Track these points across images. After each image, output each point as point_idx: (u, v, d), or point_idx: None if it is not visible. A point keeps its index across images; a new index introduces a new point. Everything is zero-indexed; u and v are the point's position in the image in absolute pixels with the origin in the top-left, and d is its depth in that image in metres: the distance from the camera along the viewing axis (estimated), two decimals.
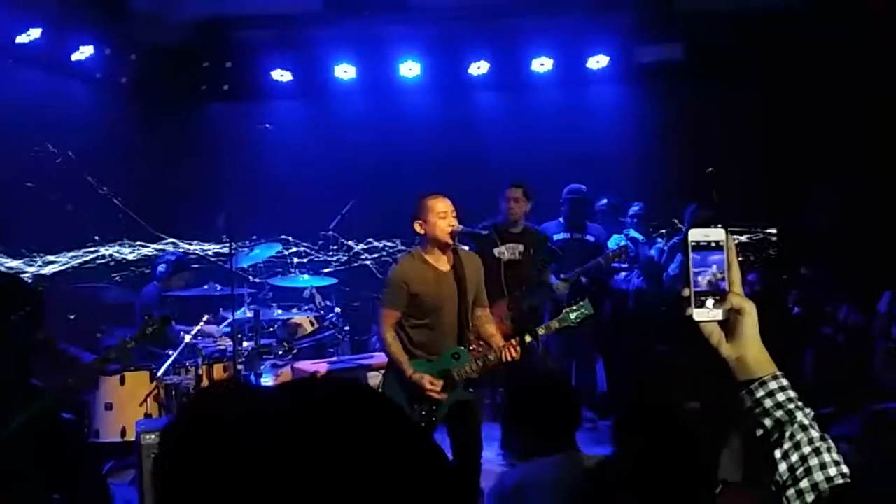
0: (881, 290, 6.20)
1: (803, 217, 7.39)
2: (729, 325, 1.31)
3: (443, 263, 4.60)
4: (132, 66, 8.00)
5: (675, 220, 7.51)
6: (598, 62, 8.35)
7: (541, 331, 4.65)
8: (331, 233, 7.44)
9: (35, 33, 7.01)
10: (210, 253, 7.92)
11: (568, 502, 2.77)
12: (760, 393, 1.27)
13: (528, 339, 4.55)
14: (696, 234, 1.34)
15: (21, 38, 6.97)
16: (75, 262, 7.30)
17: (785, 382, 1.27)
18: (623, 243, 6.45)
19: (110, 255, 7.59)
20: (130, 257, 7.69)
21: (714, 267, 1.33)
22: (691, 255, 1.33)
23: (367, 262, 8.27)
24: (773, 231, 8.01)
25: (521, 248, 6.03)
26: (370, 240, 8.30)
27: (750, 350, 1.29)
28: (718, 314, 1.31)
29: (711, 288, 1.32)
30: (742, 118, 7.87)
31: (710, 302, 1.31)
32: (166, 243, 7.88)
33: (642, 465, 2.39)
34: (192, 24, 8.10)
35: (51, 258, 7.06)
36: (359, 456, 0.77)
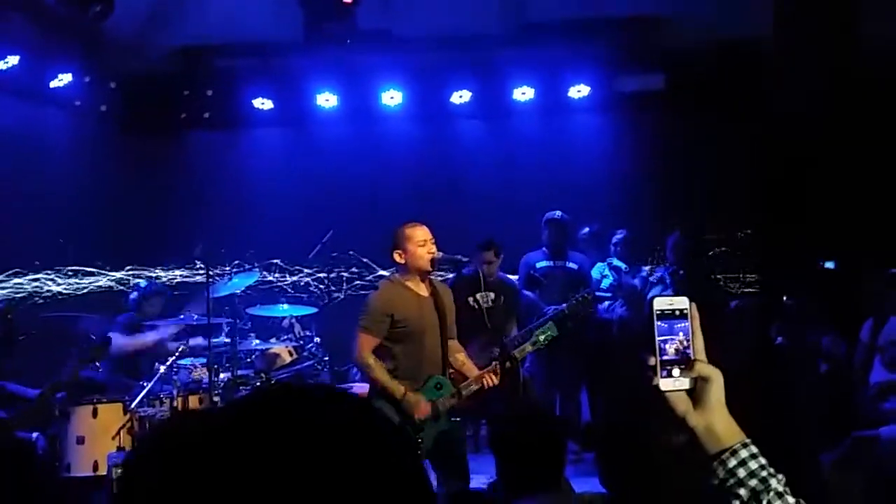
0: (864, 317, 6.15)
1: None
2: (695, 393, 1.28)
3: (422, 290, 4.60)
4: (112, 94, 7.94)
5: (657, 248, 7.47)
6: (579, 91, 8.33)
7: (517, 354, 4.80)
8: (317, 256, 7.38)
9: (13, 60, 6.92)
10: (175, 281, 7.77)
11: None
12: (733, 462, 1.23)
13: (507, 364, 4.58)
14: (660, 303, 1.33)
15: None
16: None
17: (755, 449, 1.25)
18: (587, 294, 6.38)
19: (40, 285, 7.34)
20: (61, 288, 7.45)
21: (680, 335, 1.31)
22: (656, 323, 1.32)
23: (349, 291, 8.17)
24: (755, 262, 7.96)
25: (492, 295, 6.07)
26: (353, 269, 8.20)
27: (717, 418, 1.27)
28: (685, 383, 1.29)
29: (678, 356, 1.30)
30: (723, 147, 7.86)
31: (676, 371, 1.30)
32: (129, 272, 7.72)
33: None
34: (172, 53, 8.03)
35: None
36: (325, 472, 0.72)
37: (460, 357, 4.73)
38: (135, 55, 7.83)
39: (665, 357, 1.31)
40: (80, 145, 7.86)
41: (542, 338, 4.82)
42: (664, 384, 1.30)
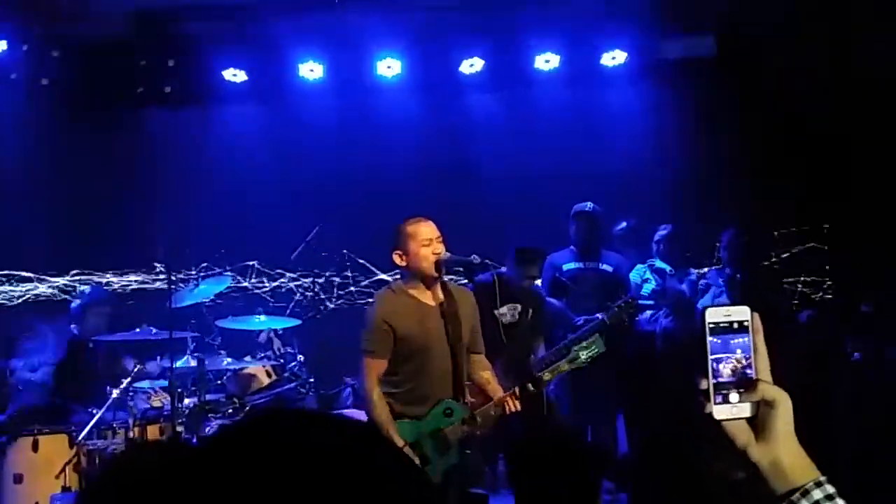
0: None
1: None
2: (758, 421, 1.27)
3: (428, 298, 4.58)
4: (55, 65, 7.95)
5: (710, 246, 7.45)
6: (613, 59, 8.33)
7: (547, 375, 4.70)
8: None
9: None
10: (131, 288, 7.79)
11: None
12: None
13: (529, 386, 4.55)
14: (713, 314, 1.31)
15: None
16: None
17: (831, 489, 1.22)
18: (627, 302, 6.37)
19: None
20: None
21: (738, 352, 1.29)
22: (709, 339, 1.30)
23: (341, 300, 8.19)
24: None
25: (518, 308, 6.10)
26: (346, 273, 8.21)
27: (785, 451, 1.25)
28: (746, 409, 1.28)
29: (735, 378, 1.29)
30: (788, 124, 7.81)
31: (733, 396, 1.28)
32: (74, 277, 7.73)
33: None
34: (126, 16, 8.04)
35: None
36: None
37: (486, 375, 4.72)
38: (82, 19, 7.85)
39: (720, 379, 1.29)
40: (16, 124, 7.88)
41: (583, 355, 4.70)
42: (719, 412, 1.28)
